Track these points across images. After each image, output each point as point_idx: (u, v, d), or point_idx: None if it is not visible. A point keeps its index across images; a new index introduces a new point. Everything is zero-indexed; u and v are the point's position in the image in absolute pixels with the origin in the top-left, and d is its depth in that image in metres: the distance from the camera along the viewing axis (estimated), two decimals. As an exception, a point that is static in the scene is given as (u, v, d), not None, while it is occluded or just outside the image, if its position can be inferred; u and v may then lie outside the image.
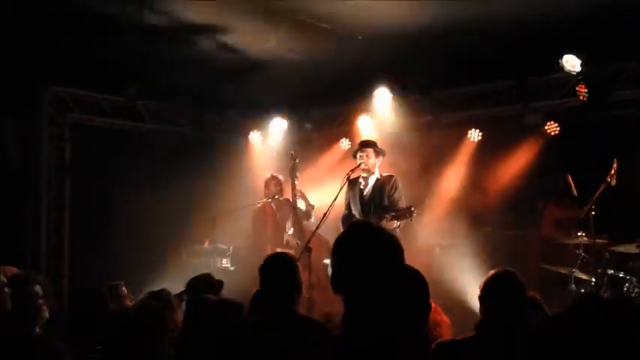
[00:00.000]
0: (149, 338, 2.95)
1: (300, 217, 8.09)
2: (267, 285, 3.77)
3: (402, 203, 6.78)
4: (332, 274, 2.07)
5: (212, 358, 2.65)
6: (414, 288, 2.16)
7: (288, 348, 3.27)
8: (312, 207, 8.31)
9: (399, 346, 1.96)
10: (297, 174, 8.12)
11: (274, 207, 8.45)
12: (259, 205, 8.64)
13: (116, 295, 4.37)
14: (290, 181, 8.16)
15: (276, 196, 8.44)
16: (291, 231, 8.10)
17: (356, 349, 1.98)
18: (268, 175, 8.62)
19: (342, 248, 2.08)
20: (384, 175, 7.00)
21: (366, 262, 2.01)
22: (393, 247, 2.05)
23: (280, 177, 8.52)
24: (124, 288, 4.46)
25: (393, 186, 6.84)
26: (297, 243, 7.86)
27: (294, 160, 8.18)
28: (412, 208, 6.39)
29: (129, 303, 4.59)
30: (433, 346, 2.96)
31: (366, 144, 7.05)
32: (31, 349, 2.42)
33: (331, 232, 7.75)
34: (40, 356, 2.35)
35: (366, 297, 1.99)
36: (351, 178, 6.92)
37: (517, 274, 3.24)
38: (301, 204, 8.27)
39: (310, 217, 8.22)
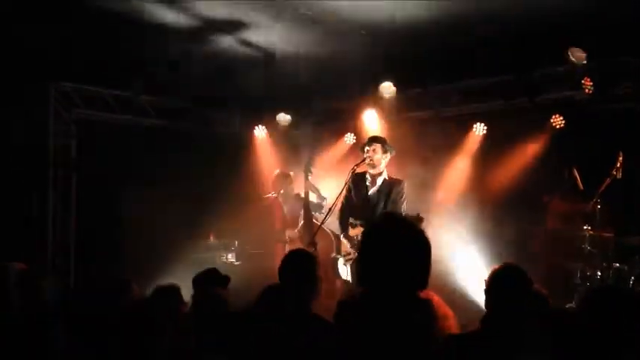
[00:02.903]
0: (150, 335, 2.97)
1: (311, 211, 8.10)
2: (284, 282, 3.77)
3: (404, 210, 6.63)
4: (358, 265, 2.06)
5: (220, 353, 2.66)
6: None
7: (297, 347, 3.27)
8: (324, 199, 8.32)
9: (409, 337, 1.97)
10: (311, 169, 8.11)
11: (282, 202, 8.47)
12: (267, 201, 8.65)
13: (126, 291, 4.37)
14: (303, 176, 8.18)
15: (282, 191, 8.46)
16: (299, 226, 8.12)
17: (367, 338, 1.98)
18: (277, 172, 8.63)
19: (370, 241, 2.08)
20: (394, 178, 6.81)
21: (392, 255, 2.01)
22: (419, 242, 2.05)
23: (291, 172, 8.55)
24: (134, 285, 4.47)
25: (401, 191, 6.65)
26: (299, 237, 7.89)
27: (310, 156, 8.21)
28: (421, 217, 6.27)
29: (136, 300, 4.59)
30: (440, 340, 2.97)
31: (375, 139, 6.90)
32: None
33: (337, 226, 7.79)
34: None
35: (387, 290, 2.00)
36: (356, 172, 6.84)
37: (522, 267, 3.25)
38: (312, 197, 8.28)
39: (322, 209, 8.23)
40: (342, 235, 6.91)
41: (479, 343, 2.97)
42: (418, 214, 6.32)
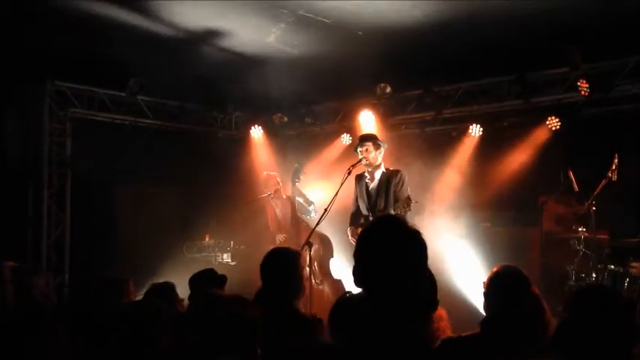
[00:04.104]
0: (148, 334, 2.95)
1: (299, 213, 8.13)
2: (266, 280, 3.76)
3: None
4: (354, 267, 2.05)
5: (219, 352, 2.66)
6: (426, 286, 2.16)
7: (283, 344, 3.27)
8: (312, 203, 8.35)
9: (405, 340, 1.96)
10: (301, 176, 8.13)
11: (274, 205, 8.47)
12: (261, 202, 8.65)
13: (123, 290, 4.36)
14: (291, 182, 8.21)
15: (278, 190, 8.44)
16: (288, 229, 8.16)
17: (364, 342, 1.98)
18: (264, 174, 8.64)
19: (365, 242, 2.07)
20: (391, 169, 6.87)
21: (389, 257, 2.00)
22: (416, 242, 2.04)
23: (274, 173, 8.54)
24: (131, 284, 4.46)
25: (399, 181, 6.66)
26: (285, 240, 7.92)
27: (300, 162, 8.23)
28: (410, 199, 6.31)
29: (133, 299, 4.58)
30: (439, 342, 2.96)
31: (365, 138, 6.93)
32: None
33: (332, 227, 7.80)
34: None
35: (384, 292, 1.99)
36: (354, 172, 6.80)
37: (521, 270, 3.24)
38: (299, 200, 8.31)
39: (310, 213, 8.27)
40: (349, 229, 6.94)
41: (479, 346, 2.96)
42: (408, 197, 6.34)
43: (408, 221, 6.43)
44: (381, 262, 2.00)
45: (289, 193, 8.26)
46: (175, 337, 2.96)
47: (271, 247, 7.81)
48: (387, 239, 2.05)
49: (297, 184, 8.14)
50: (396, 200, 6.56)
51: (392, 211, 6.38)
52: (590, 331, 2.60)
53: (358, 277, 2.05)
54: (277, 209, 8.46)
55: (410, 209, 6.26)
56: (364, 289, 2.04)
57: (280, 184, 8.41)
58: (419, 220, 8.01)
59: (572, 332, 2.64)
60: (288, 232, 8.12)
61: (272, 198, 8.40)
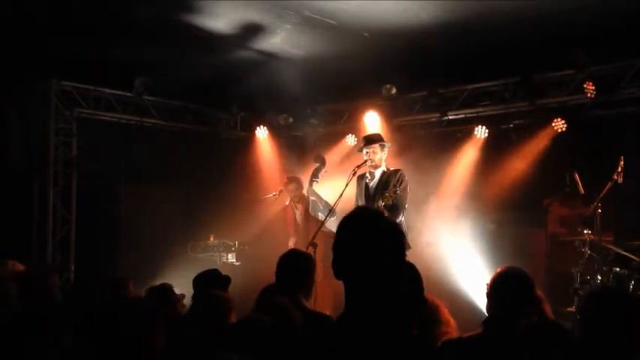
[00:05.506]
0: (143, 334, 2.95)
1: (316, 213, 8.09)
2: (280, 278, 3.82)
3: (406, 197, 6.66)
4: (333, 259, 2.05)
5: (221, 352, 2.66)
6: (409, 280, 2.15)
7: (299, 341, 3.28)
8: (327, 204, 8.29)
9: (395, 337, 1.95)
10: (320, 175, 8.09)
11: (294, 208, 8.42)
12: (281, 206, 8.61)
13: (123, 290, 4.37)
14: (309, 182, 8.16)
15: (296, 195, 8.34)
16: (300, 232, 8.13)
17: (352, 337, 1.97)
18: (287, 177, 8.52)
19: (342, 233, 2.07)
20: (391, 169, 6.87)
21: (364, 247, 1.99)
22: (392, 233, 2.03)
23: (298, 176, 8.48)
24: (130, 283, 4.48)
25: (399, 179, 6.64)
26: (294, 244, 7.88)
27: (321, 162, 8.16)
28: (396, 190, 6.32)
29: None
30: (440, 343, 2.95)
31: (372, 139, 6.92)
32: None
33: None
34: None
35: (362, 283, 1.98)
36: (358, 174, 6.81)
37: (525, 271, 3.23)
38: (312, 199, 8.28)
39: (323, 212, 8.24)
40: None
41: (480, 346, 2.95)
42: (394, 188, 6.32)
43: (416, 223, 6.47)
44: (356, 253, 2.00)
45: (306, 194, 8.22)
46: (174, 336, 2.96)
47: (279, 249, 7.84)
48: (362, 230, 2.04)
49: (314, 184, 8.08)
50: (396, 199, 6.50)
51: (381, 203, 6.36)
52: (600, 332, 2.60)
53: (335, 269, 2.04)
54: (297, 212, 8.39)
55: (395, 199, 6.25)
56: (343, 281, 2.03)
57: (302, 187, 8.29)
58: (422, 221, 8.03)
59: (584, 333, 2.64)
60: (300, 235, 8.08)
61: (293, 202, 8.35)
